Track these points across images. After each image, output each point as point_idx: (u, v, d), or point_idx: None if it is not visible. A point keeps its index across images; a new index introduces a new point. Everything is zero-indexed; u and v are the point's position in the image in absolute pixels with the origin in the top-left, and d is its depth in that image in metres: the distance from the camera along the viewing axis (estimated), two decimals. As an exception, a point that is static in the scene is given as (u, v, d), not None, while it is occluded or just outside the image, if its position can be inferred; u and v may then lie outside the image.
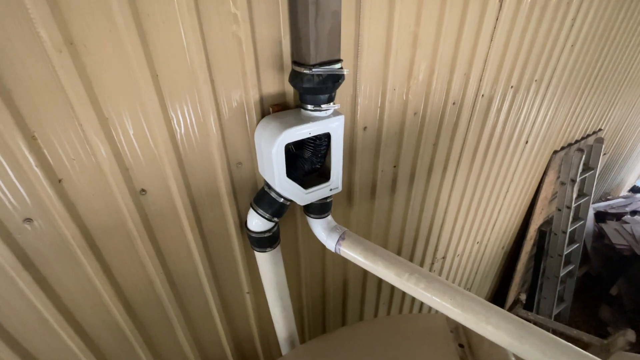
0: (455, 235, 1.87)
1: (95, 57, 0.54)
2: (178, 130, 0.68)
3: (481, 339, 0.97)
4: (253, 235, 0.84)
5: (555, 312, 2.82)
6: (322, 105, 0.72)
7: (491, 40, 1.19)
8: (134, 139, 0.64)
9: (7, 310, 0.64)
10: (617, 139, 3.32)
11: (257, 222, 0.83)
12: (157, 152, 0.67)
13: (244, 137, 0.78)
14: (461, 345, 0.98)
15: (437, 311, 2.02)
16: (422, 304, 1.97)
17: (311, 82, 0.67)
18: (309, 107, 0.73)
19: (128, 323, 0.82)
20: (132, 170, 0.67)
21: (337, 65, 0.69)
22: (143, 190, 0.70)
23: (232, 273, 0.96)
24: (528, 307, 2.86)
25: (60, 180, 0.60)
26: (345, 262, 1.28)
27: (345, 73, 0.70)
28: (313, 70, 0.66)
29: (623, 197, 4.08)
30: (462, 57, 1.12)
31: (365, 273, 1.41)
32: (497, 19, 1.15)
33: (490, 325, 0.71)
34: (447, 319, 1.11)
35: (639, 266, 2.98)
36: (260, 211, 0.81)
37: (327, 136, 0.78)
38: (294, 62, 0.71)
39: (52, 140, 0.57)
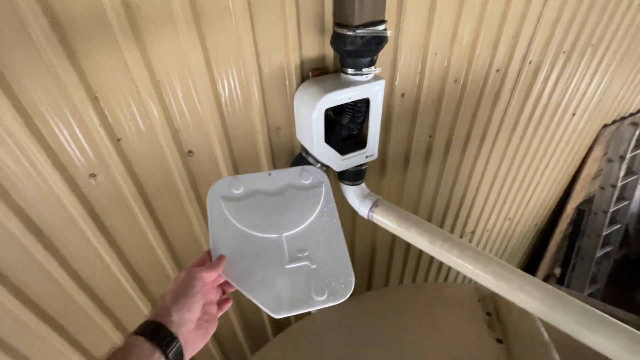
0: (487, 210, 1.83)
1: (148, 19, 0.56)
2: (222, 94, 0.71)
3: (509, 307, 0.98)
4: (290, 198, 0.87)
5: (586, 292, 2.75)
6: (363, 70, 0.71)
7: (546, -1, 1.09)
8: (183, 101, 0.67)
9: (74, 251, 0.72)
10: (679, 113, 3.00)
11: (294, 186, 0.85)
12: (203, 115, 0.71)
13: (283, 102, 0.80)
14: (489, 314, 0.99)
15: (467, 280, 2.04)
16: (447, 273, 1.99)
17: (354, 45, 0.66)
18: (350, 71, 0.72)
19: (175, 273, 0.90)
20: (180, 132, 0.71)
21: (381, 27, 0.67)
22: (190, 151, 0.74)
23: (268, 234, 1.01)
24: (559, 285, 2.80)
25: (119, 140, 0.65)
26: (374, 229, 1.30)
27: (388, 35, 0.68)
28: (357, 31, 0.65)
29: (677, 177, 3.75)
30: (511, 17, 1.04)
31: (393, 241, 1.43)
32: (555, -26, 1.04)
33: (523, 292, 0.71)
34: (475, 288, 1.12)
35: (686, 251, 2.80)
36: (298, 175, 0.83)
37: (366, 102, 0.77)
38: (337, 24, 0.69)
39: (111, 101, 0.61)
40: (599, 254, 2.54)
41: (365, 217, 0.94)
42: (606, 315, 0.66)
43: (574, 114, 1.72)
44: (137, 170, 0.70)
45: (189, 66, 0.64)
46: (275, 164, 0.88)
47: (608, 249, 2.62)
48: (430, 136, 1.16)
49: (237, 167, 0.83)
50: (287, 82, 0.77)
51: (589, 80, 1.59)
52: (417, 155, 1.18)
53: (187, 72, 0.64)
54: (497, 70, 1.16)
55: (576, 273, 2.70)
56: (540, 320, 0.91)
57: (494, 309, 1.01)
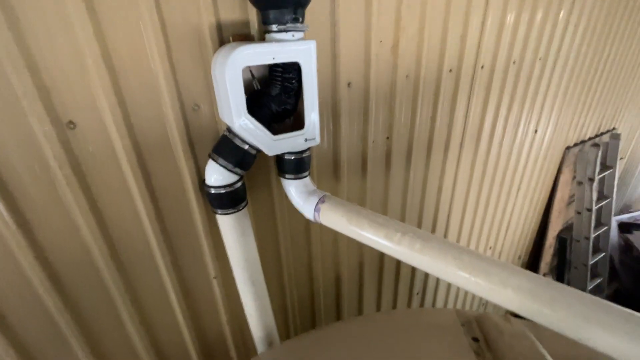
0: (464, 236, 1.68)
1: None
2: (114, 54, 0.57)
3: (499, 329, 0.77)
4: (212, 191, 0.70)
5: (585, 333, 2.50)
6: (288, 25, 0.61)
7: (486, 3, 1.10)
8: (54, 48, 0.53)
9: None
10: (632, 144, 3.14)
11: (216, 176, 0.69)
12: (85, 72, 0.56)
13: (200, 74, 0.67)
14: (475, 339, 0.78)
15: (454, 299, 1.77)
16: (434, 299, 1.74)
17: (271, -11, 0.57)
18: (274, 27, 0.62)
19: (56, 303, 0.66)
20: (53, 93, 0.55)
21: (302, -27, 0.59)
22: (71, 122, 0.58)
23: (192, 249, 0.80)
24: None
25: (-47, 92, 0.49)
26: (336, 242, 1.10)
27: (312, -15, 0.60)
28: (272, -27, 0.56)
29: (646, 209, 3.80)
30: (455, 16, 1.03)
31: (362, 258, 1.22)
32: (491, -22, 1.07)
33: (509, 288, 0.53)
34: (457, 312, 0.92)
35: (675, 280, 2.68)
36: (221, 160, 0.68)
37: (297, 68, 0.66)
38: (254, -24, 0.61)
39: (-59, 35, 0.46)
40: (590, 286, 2.37)
41: (312, 218, 0.77)
42: (621, 308, 0.48)
43: (535, 131, 1.70)
44: (-15, 141, 0.52)
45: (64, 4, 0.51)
46: (195, 152, 0.72)
47: (598, 280, 2.46)
48: (387, 138, 1.06)
49: (142, 152, 0.66)
50: (202, 47, 0.65)
51: (544, 96, 1.60)
52: (375, 158, 1.06)
53: (60, 9, 0.52)
54: (450, 71, 1.12)
55: (571, 311, 2.48)
56: (539, 340, 0.71)
57: (481, 334, 0.80)
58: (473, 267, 0.57)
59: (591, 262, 2.30)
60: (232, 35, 0.67)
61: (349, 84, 0.89)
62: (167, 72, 0.63)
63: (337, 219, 0.72)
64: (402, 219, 1.29)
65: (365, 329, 0.92)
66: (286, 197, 0.83)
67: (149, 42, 0.60)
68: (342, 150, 0.96)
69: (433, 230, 1.48)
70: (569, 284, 2.41)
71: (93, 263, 0.68)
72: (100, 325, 0.74)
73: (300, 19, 0.63)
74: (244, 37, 0.68)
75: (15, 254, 0.60)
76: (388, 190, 1.16)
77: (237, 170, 0.68)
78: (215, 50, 0.66)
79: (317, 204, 0.75)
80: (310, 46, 0.64)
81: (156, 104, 0.64)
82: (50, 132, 0.56)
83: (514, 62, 1.34)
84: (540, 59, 1.46)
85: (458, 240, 1.68)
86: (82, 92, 0.57)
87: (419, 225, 1.39)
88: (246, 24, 0.68)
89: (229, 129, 0.68)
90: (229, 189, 0.69)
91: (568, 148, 2.06)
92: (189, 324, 0.87)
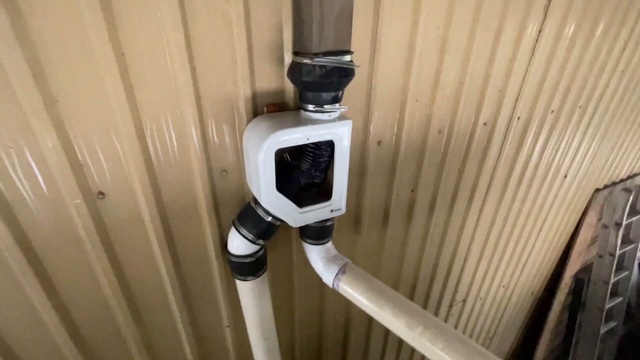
0: (479, 276, 1.64)
1: (41, 20, 0.44)
2: (148, 125, 0.57)
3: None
4: (233, 259, 0.69)
5: (593, 375, 2.44)
6: (325, 106, 0.59)
7: (532, 55, 1.04)
8: (91, 131, 0.53)
9: None
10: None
11: (238, 244, 0.68)
12: (119, 148, 0.56)
13: (231, 140, 0.66)
14: None
15: None
16: None
17: (312, 75, 0.55)
18: (310, 107, 0.60)
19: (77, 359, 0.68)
20: (86, 168, 0.55)
21: (347, 58, 0.56)
22: (101, 193, 0.58)
23: (209, 301, 0.81)
24: (560, 366, 2.49)
25: (-9, 172, 0.49)
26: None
27: (355, 68, 0.57)
28: (315, 60, 0.53)
29: (671, 247, 3.64)
30: (497, 70, 0.98)
31: None
32: (539, 32, 1.00)
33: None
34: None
35: (695, 330, 2.57)
36: (243, 231, 0.67)
37: (329, 145, 0.64)
38: (295, 53, 0.59)
39: (-17, 121, 0.46)
40: (603, 330, 2.30)
41: (331, 285, 0.76)
42: None
43: (565, 176, 1.63)
44: (17, 212, 0.53)
45: (99, 82, 0.50)
46: (219, 215, 0.72)
47: (612, 324, 2.38)
48: (412, 190, 1.03)
49: (167, 216, 0.66)
50: (235, 116, 0.64)
51: (579, 142, 1.53)
52: (397, 211, 1.03)
53: (95, 87, 0.51)
54: (485, 124, 1.07)
55: (579, 351, 2.42)
56: None
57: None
58: (496, 381, 0.55)
59: (607, 307, 2.22)
60: (266, 105, 0.65)
61: (379, 143, 0.86)
62: (199, 140, 0.62)
63: (356, 295, 0.70)
64: (419, 262, 1.27)
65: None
66: (302, 251, 0.82)
67: (184, 115, 0.58)
68: (365, 203, 0.94)
69: (449, 269, 1.45)
70: (580, 325, 2.35)
71: (112, 315, 0.69)
72: (114, 369, 0.75)
73: (339, 99, 0.60)
74: (279, 107, 0.66)
75: (40, 314, 0.61)
76: (407, 238, 1.14)
77: (259, 241, 0.68)
78: (248, 120, 0.64)
79: (337, 273, 0.74)
80: (346, 128, 0.62)
81: (185, 169, 0.64)
82: (79, 201, 0.56)
83: (552, 112, 1.28)
84: (580, 107, 1.38)
85: (473, 279, 1.64)
86: (114, 165, 0.57)
87: (435, 268, 1.36)
88: (281, 93, 0.66)
89: (254, 199, 0.67)
90: (250, 259, 0.68)
91: (597, 190, 1.97)
92: (199, 367, 0.88)
